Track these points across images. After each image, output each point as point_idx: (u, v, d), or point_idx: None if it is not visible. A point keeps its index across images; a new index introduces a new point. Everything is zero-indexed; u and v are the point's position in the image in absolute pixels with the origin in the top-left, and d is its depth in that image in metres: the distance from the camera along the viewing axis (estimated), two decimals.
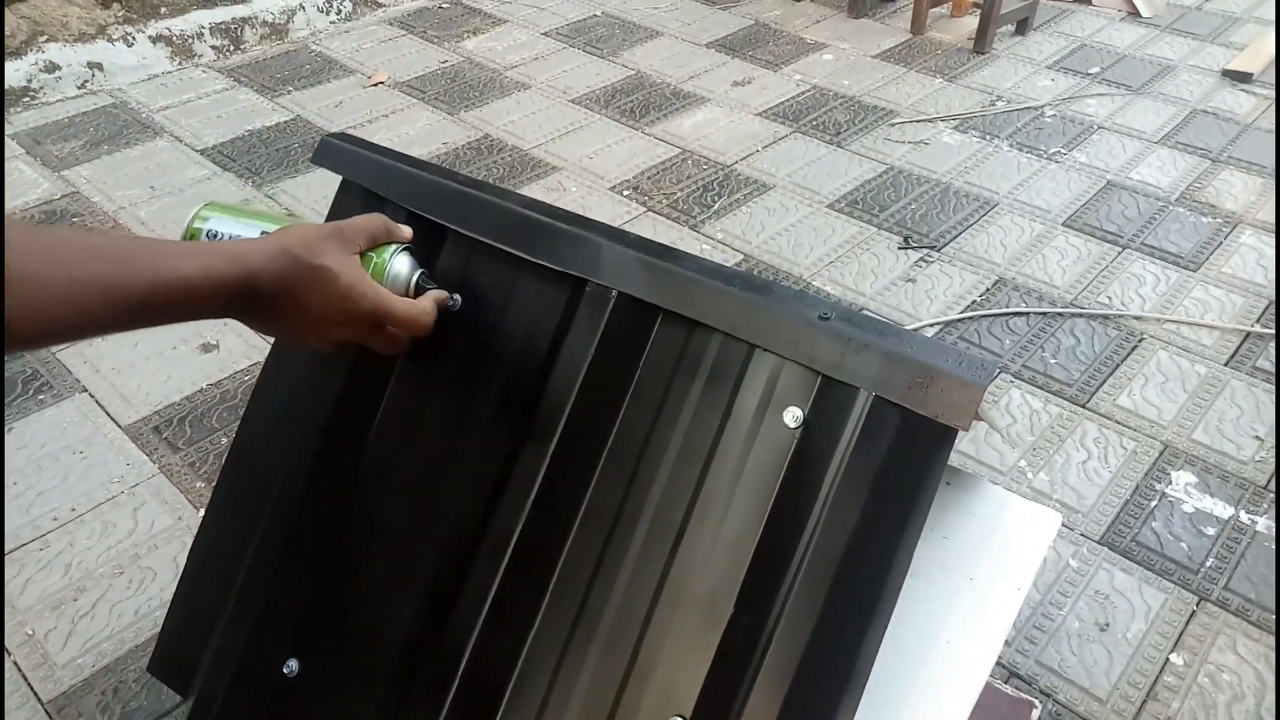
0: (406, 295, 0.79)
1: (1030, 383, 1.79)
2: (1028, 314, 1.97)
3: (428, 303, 0.79)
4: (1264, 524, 1.51)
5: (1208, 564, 1.45)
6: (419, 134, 2.63)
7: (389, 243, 0.79)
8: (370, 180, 0.93)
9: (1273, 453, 1.64)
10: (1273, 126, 2.71)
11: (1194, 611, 1.38)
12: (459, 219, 0.88)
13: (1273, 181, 2.44)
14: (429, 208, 0.89)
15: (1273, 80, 2.96)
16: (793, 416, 0.73)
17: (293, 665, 0.90)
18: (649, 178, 2.44)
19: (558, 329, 0.83)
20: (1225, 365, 1.83)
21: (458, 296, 0.87)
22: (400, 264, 0.79)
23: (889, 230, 2.24)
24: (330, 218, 0.98)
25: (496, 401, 0.84)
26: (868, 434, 0.70)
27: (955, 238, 2.21)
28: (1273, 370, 1.82)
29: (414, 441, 0.88)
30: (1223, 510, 1.53)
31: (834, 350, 0.71)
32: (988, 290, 2.04)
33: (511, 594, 0.79)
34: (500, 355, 0.85)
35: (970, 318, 1.95)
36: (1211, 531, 1.50)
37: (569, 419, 0.80)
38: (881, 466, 0.69)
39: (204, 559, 0.97)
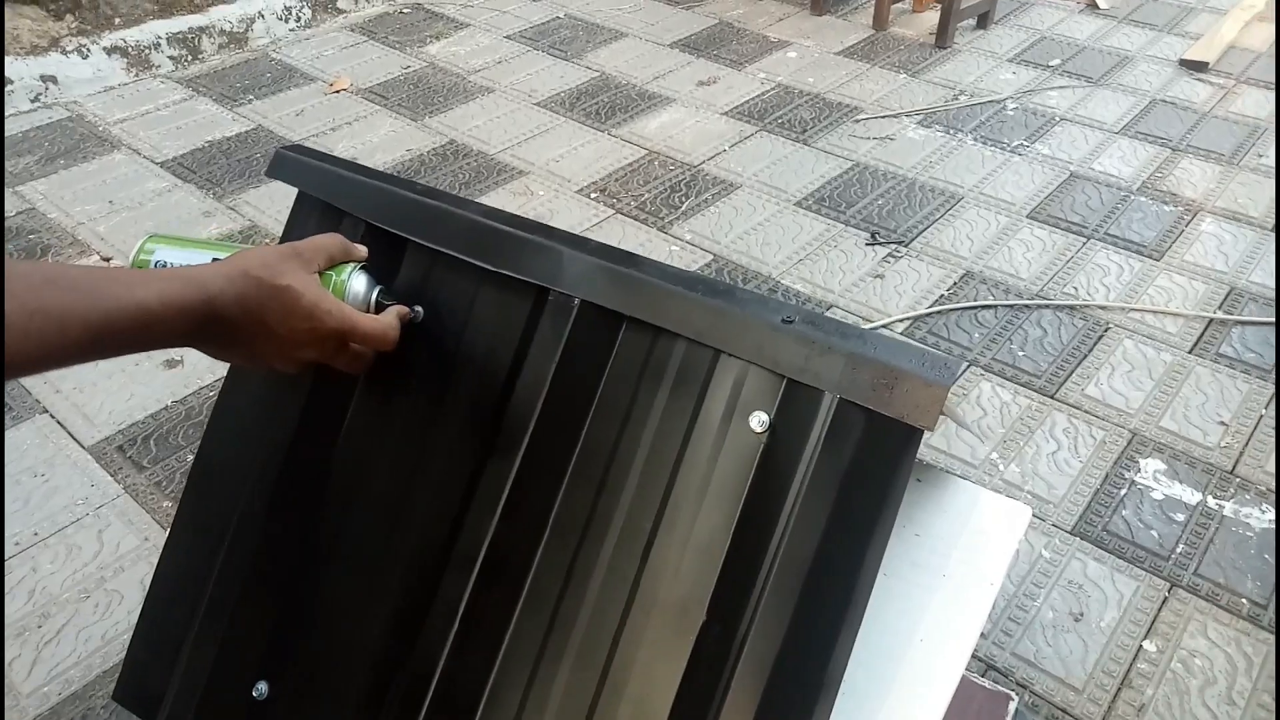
0: (367, 310, 0.79)
1: (1000, 375, 1.80)
2: (995, 307, 1.98)
3: (391, 318, 0.79)
4: (1230, 508, 1.53)
5: (1178, 550, 1.46)
6: (383, 141, 2.60)
7: (346, 261, 0.78)
8: (327, 192, 0.92)
9: (1238, 437, 1.66)
10: (1229, 115, 2.75)
11: (1166, 598, 1.39)
12: (418, 230, 0.86)
13: (1231, 169, 2.48)
14: (387, 219, 0.88)
15: (1229, 69, 3.01)
16: (759, 421, 0.72)
17: (262, 688, 0.89)
18: (616, 180, 2.44)
19: (521, 339, 0.82)
20: (1190, 352, 1.86)
21: (419, 309, 0.86)
22: (359, 282, 0.78)
23: (856, 227, 2.25)
24: (287, 231, 0.96)
25: (461, 414, 0.83)
26: (833, 437, 0.69)
27: (922, 232, 2.22)
28: (1236, 356, 1.85)
29: (379, 456, 0.86)
30: (1191, 496, 1.55)
31: (798, 354, 0.71)
32: (955, 284, 2.05)
33: (481, 608, 0.78)
34: (464, 367, 0.84)
35: (939, 312, 1.97)
36: (1181, 518, 1.51)
37: (535, 429, 0.79)
38: (848, 469, 0.69)
39: (168, 581, 0.95)
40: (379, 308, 0.80)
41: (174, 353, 1.85)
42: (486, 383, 0.82)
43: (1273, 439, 1.66)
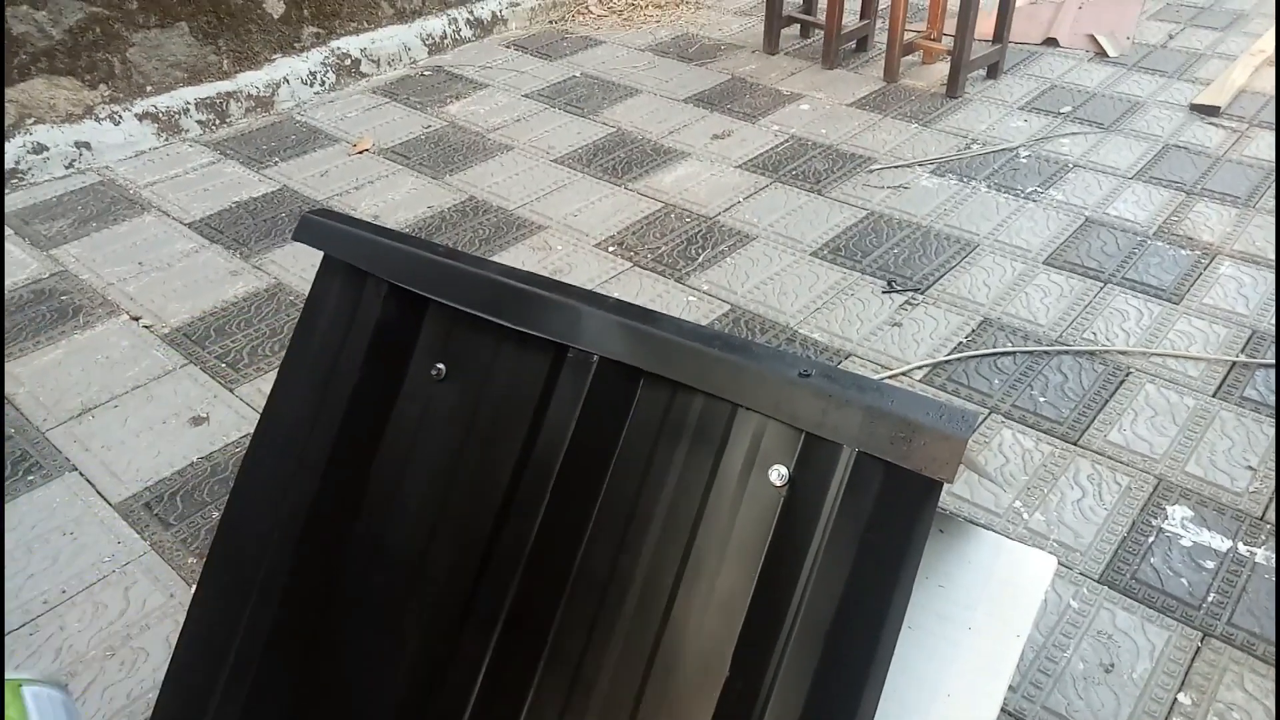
0: None
1: (1021, 422, 1.79)
2: (1014, 353, 1.98)
3: None
4: (1263, 555, 1.50)
5: (1209, 599, 1.44)
6: (405, 199, 2.66)
7: None
8: (351, 255, 0.94)
9: (1267, 483, 1.64)
10: (1243, 158, 2.75)
11: (1199, 648, 1.36)
12: (439, 289, 0.88)
13: (1247, 212, 2.48)
14: (410, 279, 0.90)
15: (1240, 113, 3.03)
16: (778, 475, 0.73)
17: None
18: (633, 233, 2.47)
19: (541, 396, 0.83)
20: (1213, 396, 1.84)
21: (441, 367, 0.88)
22: None
23: (873, 275, 2.26)
24: (313, 293, 0.99)
25: (482, 471, 0.84)
26: (853, 490, 0.70)
27: (938, 280, 2.23)
28: (1261, 400, 1.83)
29: (401, 514, 0.88)
30: (1220, 543, 1.53)
31: (815, 407, 0.72)
32: (974, 331, 2.05)
33: (504, 666, 0.78)
34: (484, 424, 0.85)
35: (958, 359, 1.96)
36: (1211, 565, 1.49)
37: (555, 486, 0.80)
38: (869, 522, 0.69)
39: (194, 639, 0.96)
40: None
41: (200, 410, 1.88)
42: (506, 440, 0.84)
43: None
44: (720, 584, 0.73)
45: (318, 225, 0.98)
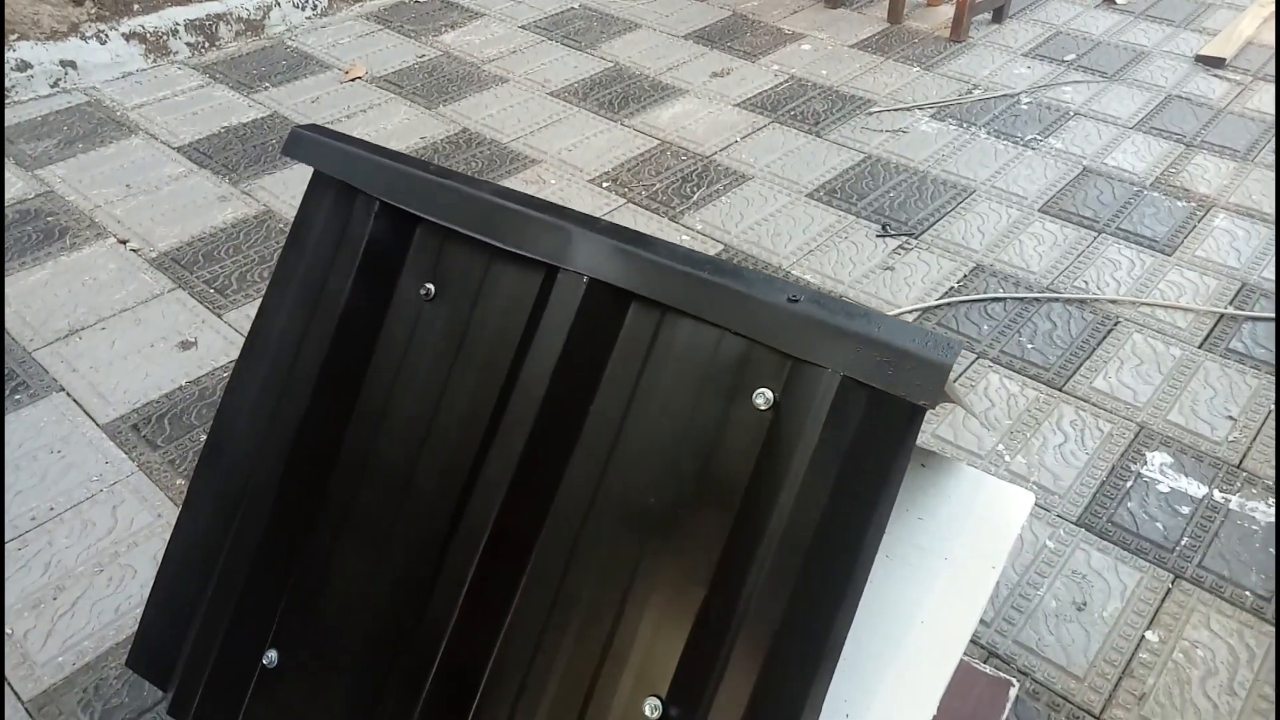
0: None
1: (1008, 367, 1.80)
2: (1005, 299, 1.98)
3: None
4: (1237, 502, 1.53)
5: (1182, 542, 1.46)
6: (397, 128, 2.62)
7: None
8: (342, 171, 0.93)
9: (1246, 432, 1.66)
10: (1245, 111, 2.73)
11: (1169, 589, 1.39)
12: (431, 208, 0.88)
13: (1245, 165, 2.46)
14: (401, 197, 0.89)
15: (1246, 65, 2.99)
16: (764, 399, 0.73)
17: (272, 656, 0.91)
18: (628, 169, 2.44)
19: (530, 316, 0.83)
20: (1199, 347, 1.85)
21: (430, 286, 0.87)
22: None
23: (867, 219, 2.25)
24: (302, 210, 0.98)
25: (470, 390, 0.85)
26: (837, 414, 0.70)
27: (933, 225, 2.22)
28: (1246, 352, 1.84)
29: (389, 432, 0.88)
30: (1197, 490, 1.55)
31: (803, 332, 0.72)
32: (965, 276, 2.05)
33: (487, 582, 0.80)
34: (473, 344, 0.85)
35: (948, 304, 1.97)
36: (1186, 510, 1.52)
37: (542, 406, 0.80)
38: (851, 446, 0.70)
39: (181, 553, 0.97)
40: None
41: (188, 334, 1.87)
42: (496, 359, 0.84)
43: None
44: (704, 504, 0.74)
45: (308, 140, 0.97)
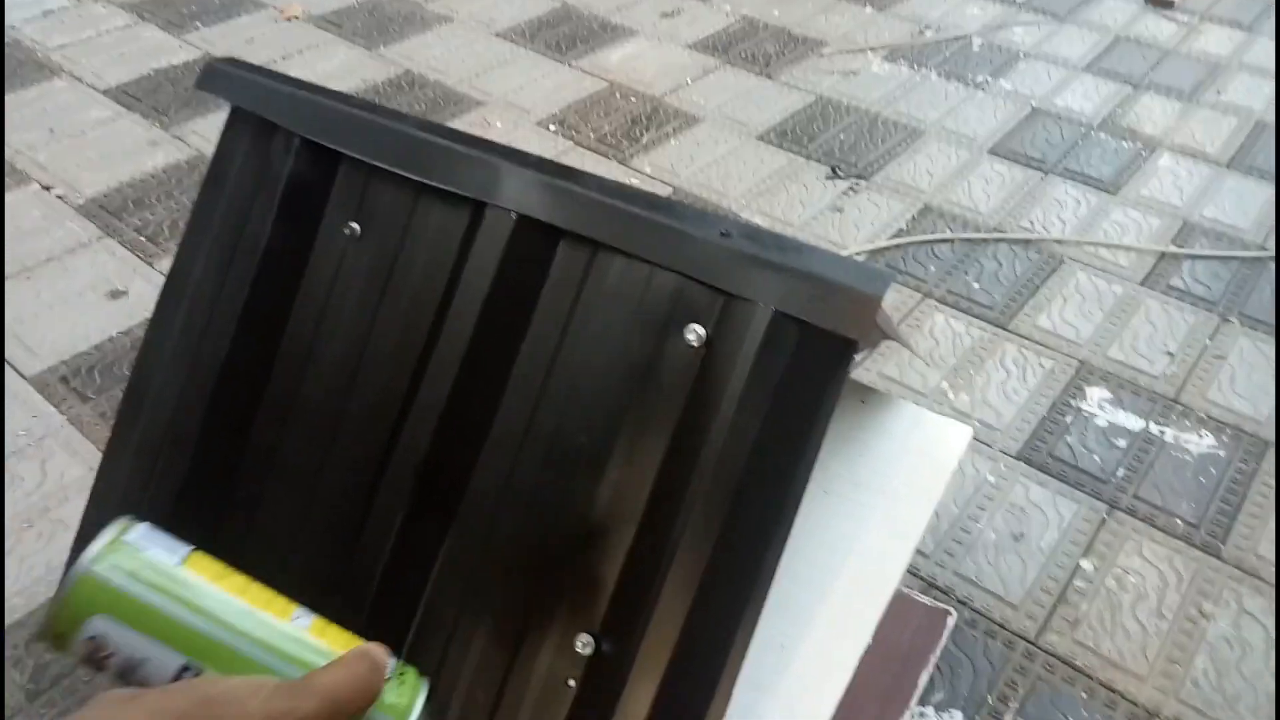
0: None
1: (954, 307, 1.81)
2: (953, 240, 1.99)
3: None
4: (1171, 434, 1.56)
5: (1119, 474, 1.50)
6: (336, 70, 2.53)
7: (377, 705, 0.46)
8: (259, 106, 0.89)
9: (1183, 366, 1.69)
10: (1191, 52, 2.75)
11: (1104, 519, 1.43)
12: (353, 143, 0.84)
13: (1191, 106, 2.48)
14: (321, 133, 0.86)
15: (1194, 7, 3.00)
16: (695, 335, 0.72)
17: None
18: (576, 112, 2.40)
19: (458, 255, 0.81)
20: (1141, 285, 1.88)
21: (355, 225, 0.85)
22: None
23: (818, 160, 2.23)
24: (219, 147, 0.93)
25: (397, 331, 0.82)
26: (768, 349, 0.70)
27: (883, 166, 2.22)
28: (1186, 289, 1.87)
29: (315, 374, 0.86)
30: (1134, 423, 1.58)
31: (734, 267, 0.71)
32: (914, 218, 2.05)
33: (417, 524, 0.78)
34: (400, 283, 0.83)
35: (897, 245, 1.97)
36: (1123, 443, 1.55)
37: (471, 345, 0.78)
38: (782, 381, 0.69)
39: (104, 498, 0.94)
40: None
41: (118, 283, 1.81)
42: (423, 299, 0.81)
43: (1216, 367, 1.69)
44: (634, 443, 0.73)
45: (224, 74, 0.92)
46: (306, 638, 0.50)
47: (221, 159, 0.93)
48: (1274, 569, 1.37)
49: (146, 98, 2.37)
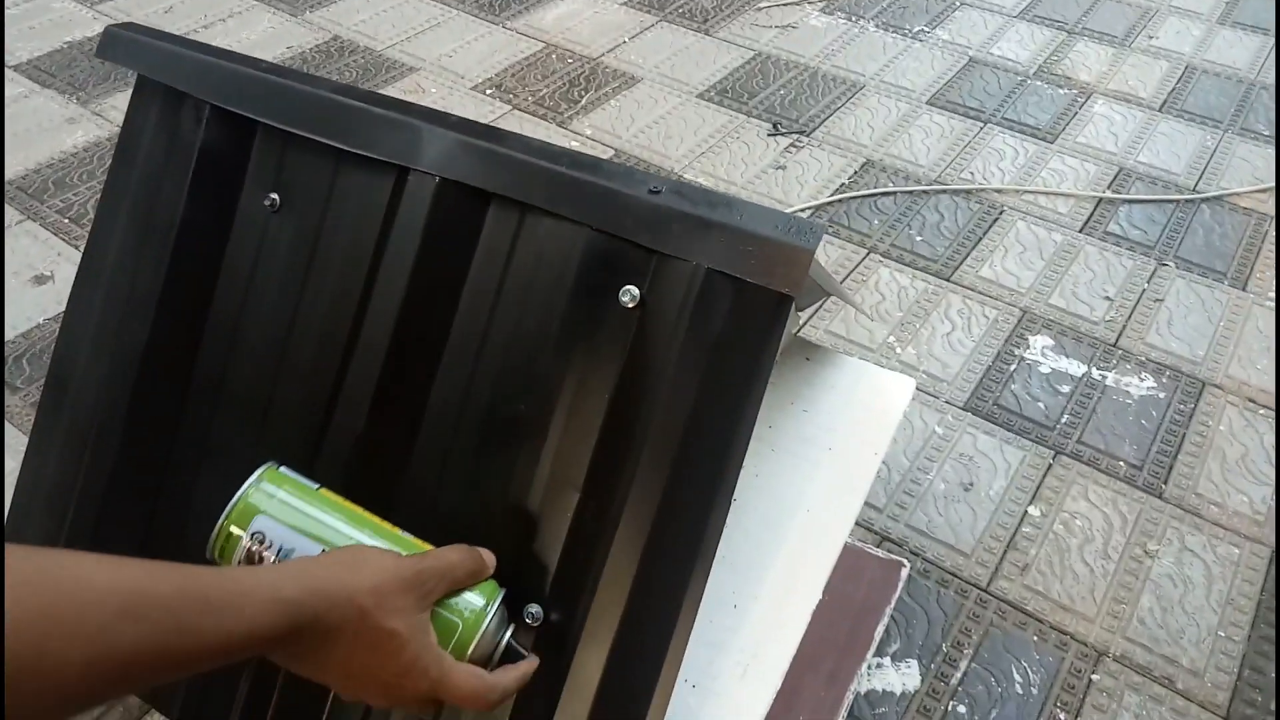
0: (488, 661, 0.64)
1: (898, 260, 1.82)
2: (895, 193, 1.99)
3: (509, 680, 0.63)
4: (1113, 379, 1.59)
5: (1063, 420, 1.52)
6: (261, 38, 2.45)
7: (473, 585, 0.65)
8: (166, 73, 0.85)
9: (1122, 311, 1.72)
10: None
11: (1050, 465, 1.45)
12: (266, 110, 0.81)
13: (1123, 51, 2.50)
14: (234, 100, 0.82)
15: None
16: (629, 296, 0.71)
17: None
18: (512, 75, 2.34)
19: (384, 224, 0.78)
20: (1080, 231, 1.90)
21: (275, 196, 0.81)
22: (494, 625, 0.64)
23: (758, 117, 2.22)
24: (127, 120, 0.89)
25: (326, 305, 0.80)
26: (703, 308, 0.68)
27: (824, 122, 2.21)
28: (1123, 234, 1.90)
29: (243, 354, 0.83)
30: (1076, 369, 1.61)
31: (665, 224, 0.69)
32: (856, 172, 2.05)
33: (357, 502, 0.76)
34: (326, 256, 0.80)
35: (839, 200, 1.97)
36: (1066, 389, 1.57)
37: (400, 318, 0.76)
38: (718, 339, 0.68)
39: (31, 496, 0.91)
40: (506, 655, 0.66)
41: (43, 268, 1.74)
42: (349, 273, 0.79)
43: (1153, 311, 1.72)
44: (573, 409, 0.71)
45: (126, 41, 0.87)
46: (414, 540, 0.67)
47: (130, 132, 0.89)
48: (1219, 508, 1.40)
49: (61, 73, 2.27)
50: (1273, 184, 2.02)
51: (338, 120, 0.79)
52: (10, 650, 0.39)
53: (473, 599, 0.64)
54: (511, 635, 0.66)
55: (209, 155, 0.83)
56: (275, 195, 0.82)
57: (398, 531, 0.67)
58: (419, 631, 0.58)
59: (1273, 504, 1.40)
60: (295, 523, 0.64)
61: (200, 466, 0.84)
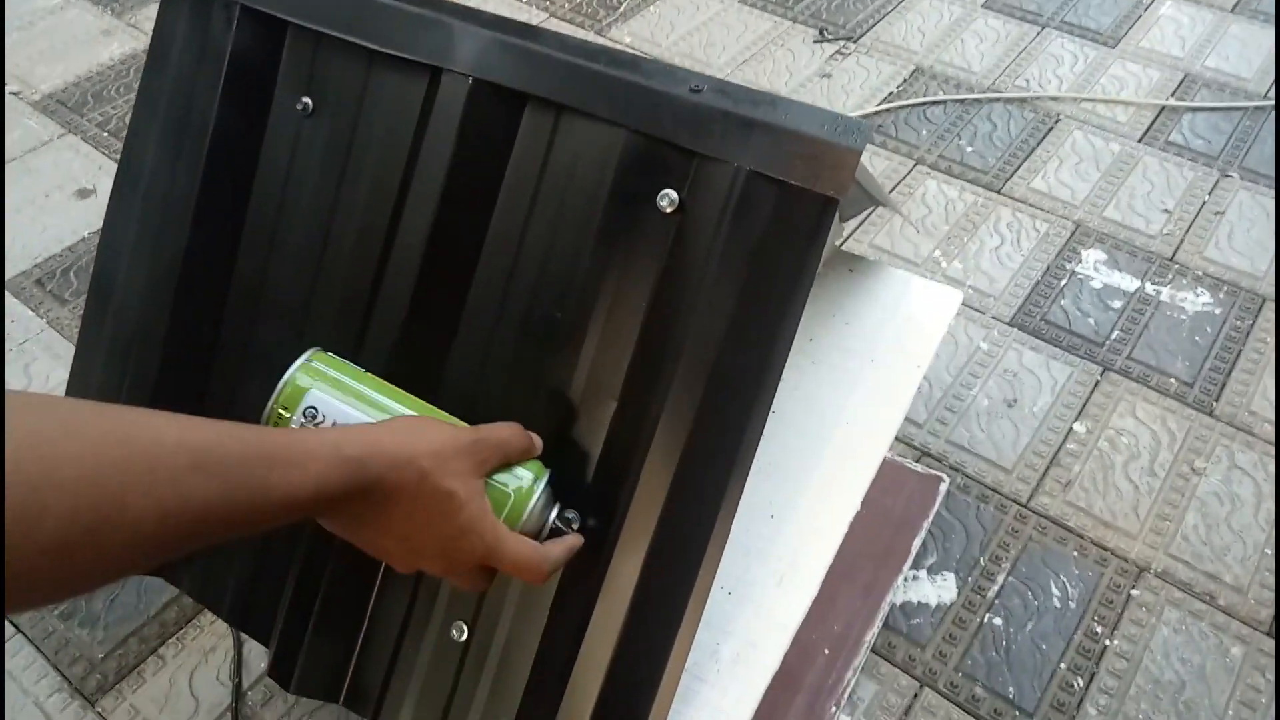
0: (536, 536, 0.66)
1: (946, 172, 1.76)
2: (945, 102, 1.91)
3: (558, 551, 0.65)
4: (1167, 294, 1.54)
5: (1113, 336, 1.48)
6: None
7: (522, 462, 0.66)
8: None
9: (1180, 224, 1.66)
10: None
11: (1098, 381, 1.42)
12: (296, 9, 0.79)
13: None
14: (265, 1, 0.80)
15: None
16: (668, 200, 0.69)
17: None
18: None
19: (417, 127, 0.76)
20: (1139, 141, 1.82)
21: (307, 100, 0.80)
22: (541, 502, 0.66)
23: (804, 23, 2.13)
24: (158, 25, 0.88)
25: (361, 209, 0.79)
26: (744, 212, 0.66)
27: (872, 27, 2.12)
28: (1185, 144, 1.81)
29: (280, 260, 0.82)
30: (1129, 284, 1.56)
31: (705, 124, 0.67)
32: (905, 80, 1.97)
33: None
34: (360, 160, 0.79)
35: (887, 109, 1.90)
36: (1118, 305, 1.53)
37: (435, 223, 0.75)
38: (759, 244, 0.66)
39: (79, 397, 0.93)
40: (553, 532, 0.67)
41: (85, 181, 1.75)
42: (383, 179, 0.77)
43: (1214, 223, 1.65)
44: (610, 316, 0.70)
45: None
46: (461, 424, 0.67)
47: (161, 36, 0.87)
48: (1273, 425, 1.37)
49: None
50: None
51: (368, 19, 0.77)
52: (93, 501, 0.40)
53: (523, 473, 0.65)
54: (558, 515, 0.68)
55: (240, 58, 0.81)
56: (308, 99, 0.80)
57: (446, 415, 0.68)
58: (476, 495, 0.60)
59: None
60: (346, 398, 0.65)
61: (242, 372, 0.85)
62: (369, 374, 0.69)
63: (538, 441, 0.68)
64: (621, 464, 0.70)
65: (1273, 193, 1.71)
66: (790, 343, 0.67)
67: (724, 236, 0.67)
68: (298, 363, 0.66)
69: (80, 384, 0.92)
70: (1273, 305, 1.52)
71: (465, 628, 0.76)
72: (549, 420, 0.72)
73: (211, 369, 0.85)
